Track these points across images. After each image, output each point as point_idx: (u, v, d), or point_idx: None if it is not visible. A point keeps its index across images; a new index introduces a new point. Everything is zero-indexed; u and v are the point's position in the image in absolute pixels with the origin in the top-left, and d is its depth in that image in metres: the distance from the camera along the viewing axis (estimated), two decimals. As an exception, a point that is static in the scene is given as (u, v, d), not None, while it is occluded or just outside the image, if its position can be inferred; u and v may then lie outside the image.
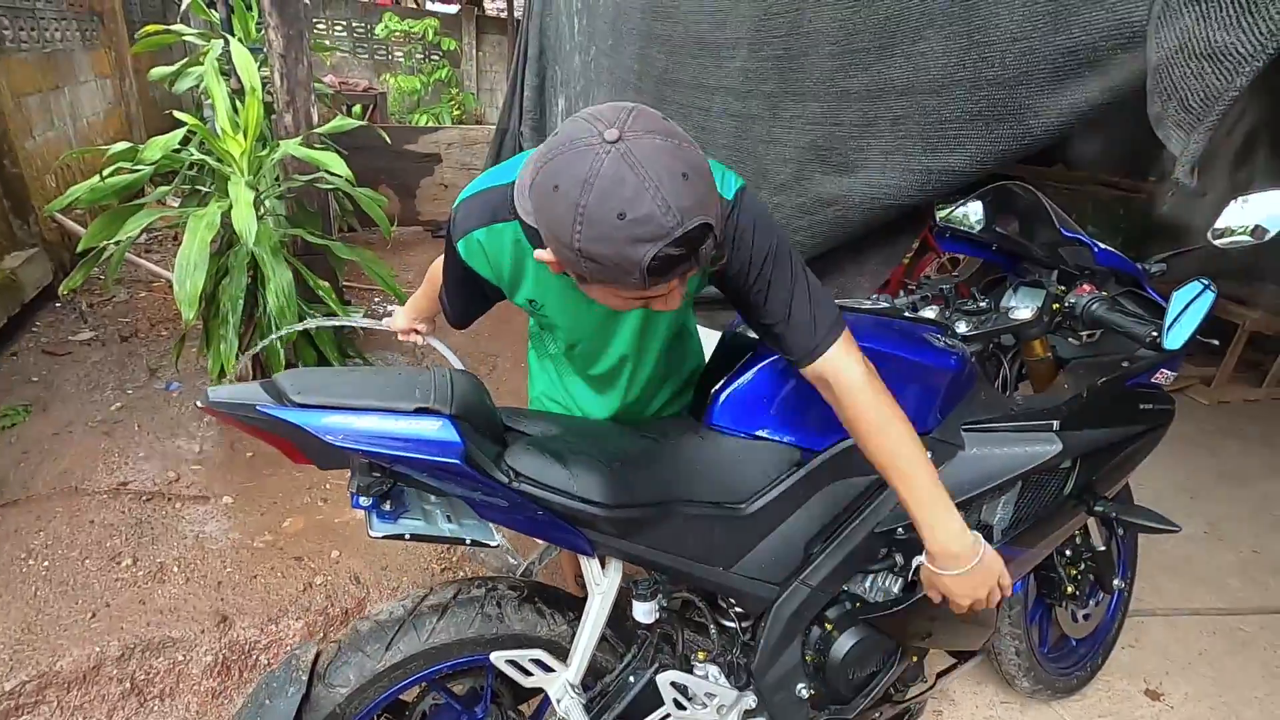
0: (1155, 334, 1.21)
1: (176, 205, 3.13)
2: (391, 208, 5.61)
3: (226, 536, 2.15)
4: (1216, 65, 1.13)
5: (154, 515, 2.20)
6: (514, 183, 1.03)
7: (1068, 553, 1.66)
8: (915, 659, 1.41)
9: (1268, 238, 1.21)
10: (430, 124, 7.23)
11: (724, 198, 0.99)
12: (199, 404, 0.97)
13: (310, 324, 1.79)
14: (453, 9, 10.43)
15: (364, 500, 1.02)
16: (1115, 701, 1.88)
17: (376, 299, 4.19)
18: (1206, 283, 1.14)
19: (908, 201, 1.94)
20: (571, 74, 4.73)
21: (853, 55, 2.08)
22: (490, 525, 1.11)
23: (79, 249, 2.53)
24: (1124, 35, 1.34)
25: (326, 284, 2.75)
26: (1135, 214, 3.78)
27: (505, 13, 9.81)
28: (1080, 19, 1.41)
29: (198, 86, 3.74)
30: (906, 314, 1.44)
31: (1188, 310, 1.15)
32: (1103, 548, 1.66)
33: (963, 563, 1.05)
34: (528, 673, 1.12)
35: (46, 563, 1.97)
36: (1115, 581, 1.74)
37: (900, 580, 1.37)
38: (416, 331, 1.61)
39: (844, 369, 1.05)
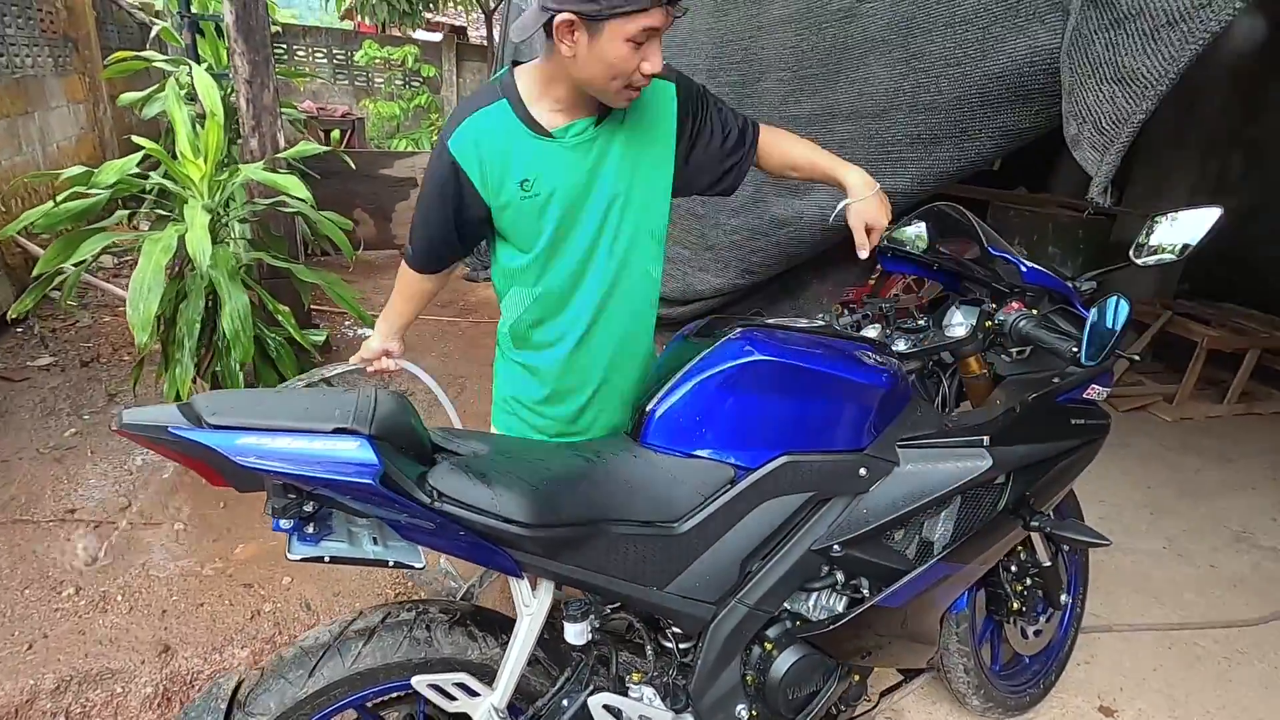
0: (1075, 350, 1.23)
1: (146, 229, 3.12)
2: (366, 231, 5.62)
3: (175, 564, 2.11)
4: (1126, 89, 1.17)
5: (100, 544, 2.15)
6: (495, 83, 1.30)
7: (1013, 569, 1.66)
8: (857, 678, 1.40)
9: (1188, 254, 1.24)
10: (409, 149, 7.27)
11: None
12: (112, 426, 0.96)
13: (304, 378, 1.67)
14: (436, 37, 10.55)
15: (284, 523, 1.01)
16: (1069, 718, 1.87)
17: (346, 322, 4.18)
18: (1119, 297, 1.17)
19: (842, 223, 1.97)
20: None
21: (802, 81, 2.13)
22: (417, 547, 1.10)
23: (34, 273, 2.50)
24: (1043, 61, 1.38)
25: (286, 308, 2.73)
26: (1094, 236, 3.86)
27: (486, 40, 9.94)
28: (1005, 46, 1.46)
29: (163, 113, 3.76)
30: (843, 332, 1.45)
31: (1104, 325, 1.17)
32: (1049, 563, 1.67)
33: (872, 185, 1.42)
34: (451, 697, 1.10)
35: (-15, 593, 1.93)
36: (1063, 597, 1.75)
37: (843, 598, 1.37)
38: (388, 354, 1.62)
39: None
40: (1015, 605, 1.65)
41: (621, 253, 1.37)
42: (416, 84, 9.03)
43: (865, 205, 1.41)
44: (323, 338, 3.22)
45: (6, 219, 3.84)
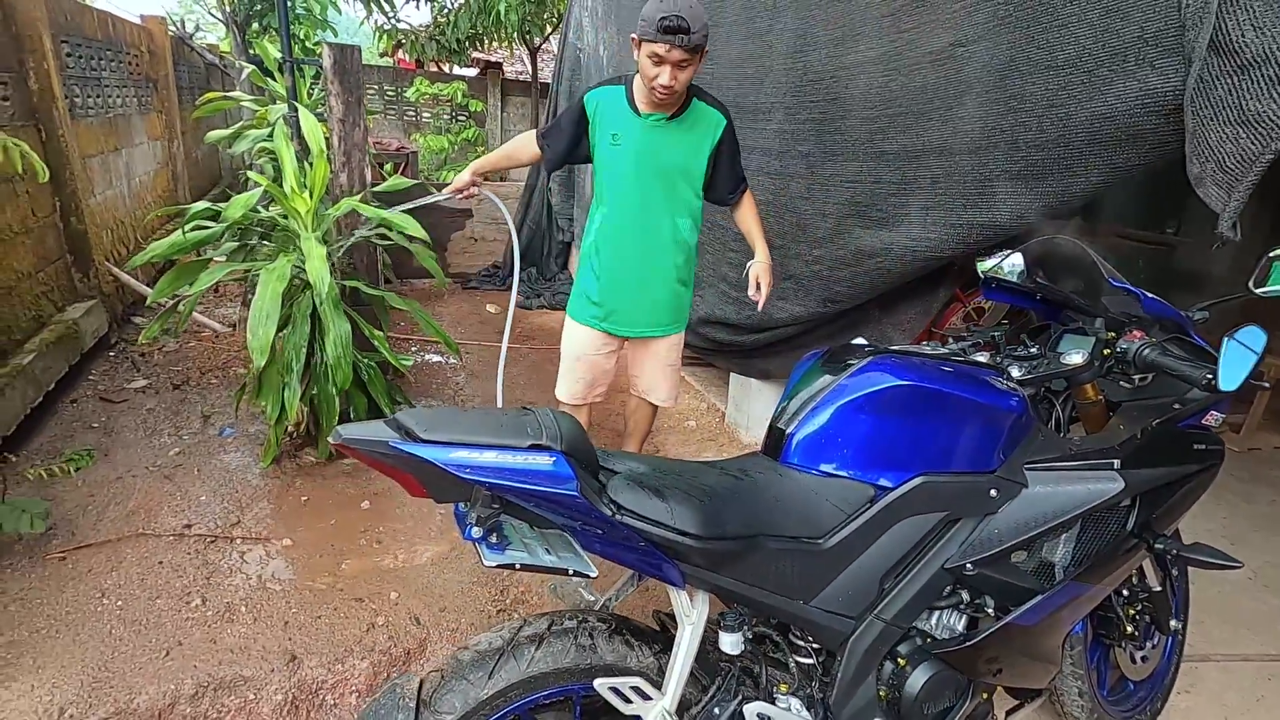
0: (1210, 377, 1.28)
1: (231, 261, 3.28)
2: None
3: (288, 578, 2.20)
4: (1250, 131, 1.23)
5: (220, 557, 2.26)
6: (621, 76, 2.17)
7: (1125, 593, 1.69)
8: (985, 696, 1.43)
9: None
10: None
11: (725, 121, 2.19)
12: (331, 440, 1.05)
13: (403, 207, 2.54)
14: (473, 72, 10.91)
15: (476, 532, 1.09)
16: (1177, 747, 1.87)
17: (414, 347, 4.32)
18: (1257, 326, 1.22)
19: (948, 254, 2.05)
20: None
21: (891, 120, 2.22)
22: (586, 557, 1.17)
23: (150, 301, 2.67)
24: (1155, 103, 1.46)
25: (381, 334, 2.87)
26: (1152, 264, 3.88)
27: (527, 76, 10.26)
28: (1113, 89, 1.54)
29: (252, 149, 3.98)
30: (971, 359, 1.52)
31: (1241, 352, 1.22)
32: (1159, 588, 1.70)
33: (767, 257, 2.28)
34: (628, 700, 1.16)
35: (120, 602, 2.04)
36: (1171, 622, 1.77)
37: (965, 618, 1.41)
38: (475, 185, 2.27)
39: (749, 200, 2.35)
40: (1127, 629, 1.67)
41: (663, 207, 2.18)
42: (463, 118, 9.35)
43: (761, 268, 2.24)
44: (410, 361, 3.35)
45: (101, 250, 4.06)
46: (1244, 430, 3.87)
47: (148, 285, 4.41)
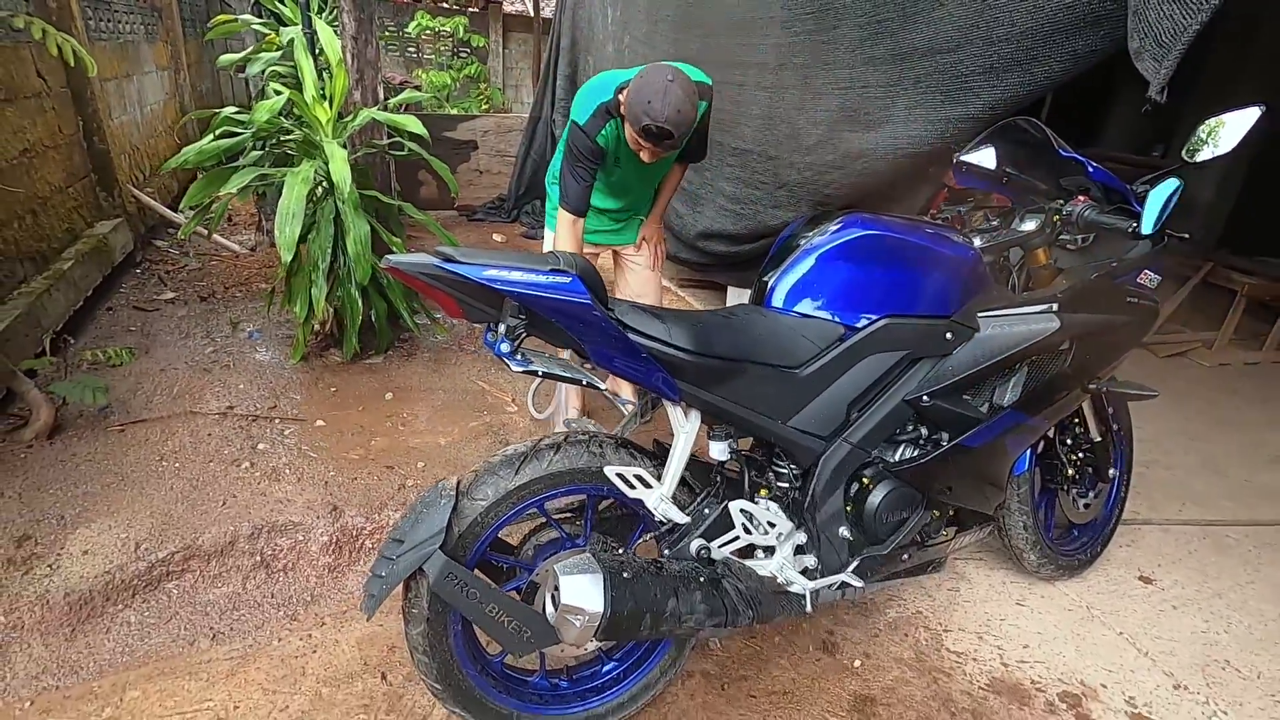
0: (1135, 225, 1.47)
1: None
2: (429, 192, 5.93)
3: (325, 448, 2.44)
4: (1182, 6, 1.39)
5: (261, 432, 2.50)
6: (611, 100, 2.03)
7: (1068, 441, 1.92)
8: (937, 514, 1.67)
9: (1231, 149, 1.48)
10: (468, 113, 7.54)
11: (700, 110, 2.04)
12: (383, 265, 1.25)
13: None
14: (474, 8, 10.74)
15: (505, 347, 1.30)
16: (1112, 584, 2.13)
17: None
18: (1172, 176, 1.40)
19: (928, 148, 2.21)
20: (604, 61, 5.02)
21: (879, 25, 2.35)
22: (595, 375, 1.38)
23: (182, 205, 2.85)
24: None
25: (399, 240, 3.05)
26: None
27: (528, 10, 10.13)
28: (1076, -22, 1.68)
29: (263, 72, 4.08)
30: (932, 221, 1.70)
31: (1159, 200, 1.41)
32: (1099, 439, 1.92)
33: (657, 222, 2.48)
34: (631, 485, 1.39)
35: (177, 465, 2.28)
36: (1110, 471, 2.00)
37: (927, 448, 1.64)
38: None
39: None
40: (1070, 473, 1.91)
41: (641, 181, 2.35)
42: (465, 54, 9.29)
43: (649, 227, 2.48)
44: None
45: (121, 174, 4.21)
46: (1215, 346, 4.07)
47: (170, 207, 4.58)
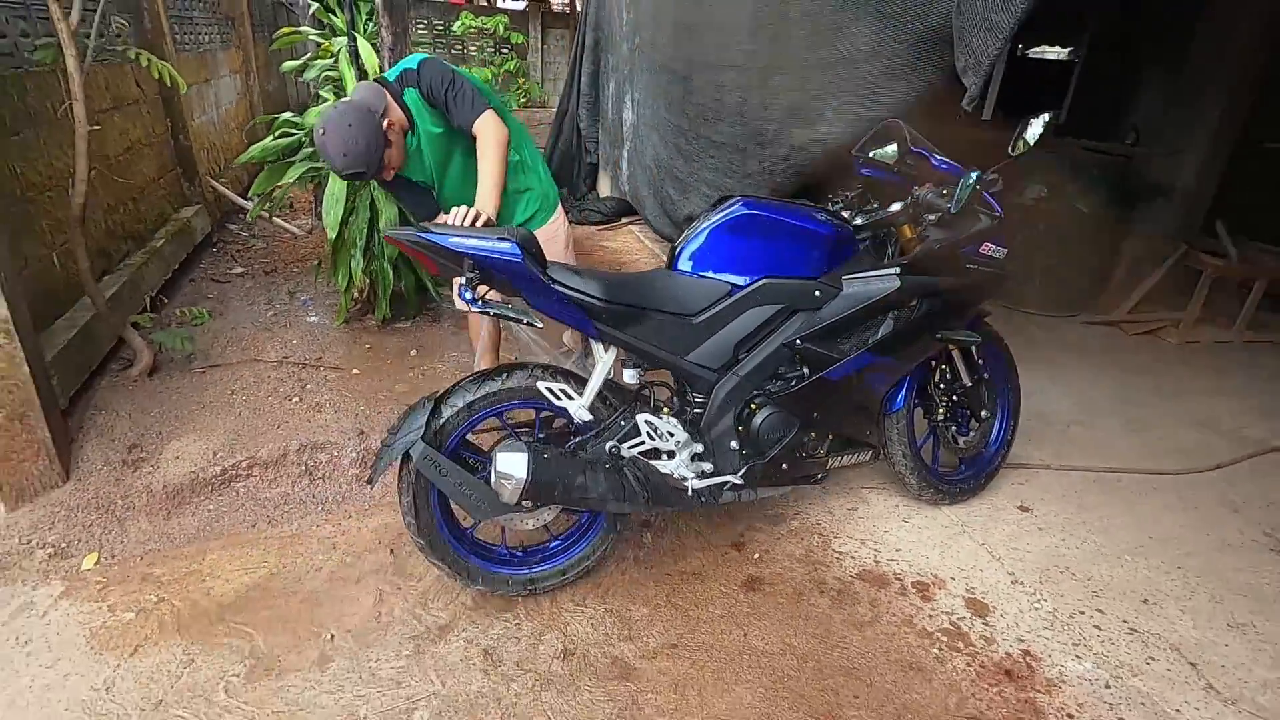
0: (950, 205, 1.88)
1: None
2: (467, 180, 6.51)
3: (358, 390, 3.03)
4: (991, 35, 1.80)
5: (309, 376, 3.10)
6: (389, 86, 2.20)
7: (942, 385, 2.33)
8: (813, 435, 2.11)
9: (1031, 146, 1.87)
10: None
11: (410, 68, 2.16)
12: (385, 235, 1.78)
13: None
14: (520, 5, 11.33)
15: (467, 295, 1.81)
16: (993, 510, 2.52)
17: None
18: (976, 170, 1.81)
19: (840, 143, 2.63)
20: (620, 60, 5.51)
21: (816, 34, 2.77)
22: (536, 316, 1.88)
23: (251, 192, 3.46)
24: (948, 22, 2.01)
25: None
26: (1109, 173, 4.27)
27: (568, 7, 10.64)
28: (936, 8, 2.09)
29: (319, 77, 4.70)
30: (809, 203, 2.13)
31: (966, 188, 1.82)
32: (969, 384, 2.33)
33: (481, 202, 2.11)
34: (558, 397, 1.89)
35: (244, 398, 2.89)
36: (983, 413, 2.40)
37: (796, 382, 2.08)
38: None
39: (483, 127, 2.12)
40: (941, 413, 2.32)
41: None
42: (506, 50, 9.87)
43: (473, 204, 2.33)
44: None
45: (200, 167, 4.91)
46: (1182, 325, 4.29)
47: (240, 195, 5.28)
